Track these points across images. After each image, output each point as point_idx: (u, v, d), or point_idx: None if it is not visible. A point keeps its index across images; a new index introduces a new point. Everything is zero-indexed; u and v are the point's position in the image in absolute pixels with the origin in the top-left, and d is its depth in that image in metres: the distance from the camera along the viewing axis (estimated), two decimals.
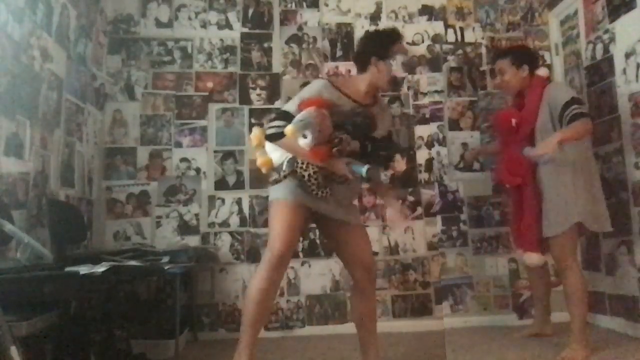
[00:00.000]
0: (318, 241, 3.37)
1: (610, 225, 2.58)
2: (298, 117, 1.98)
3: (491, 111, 3.51)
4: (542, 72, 2.71)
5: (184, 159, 3.46)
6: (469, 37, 3.70)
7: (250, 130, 3.50)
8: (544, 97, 2.57)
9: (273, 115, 2.19)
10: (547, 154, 2.37)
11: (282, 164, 2.11)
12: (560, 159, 2.47)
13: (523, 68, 2.68)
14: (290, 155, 2.09)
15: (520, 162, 2.61)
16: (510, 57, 2.72)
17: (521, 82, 2.69)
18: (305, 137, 1.95)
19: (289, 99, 3.57)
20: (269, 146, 2.16)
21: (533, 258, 2.64)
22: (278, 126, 2.04)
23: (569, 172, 2.52)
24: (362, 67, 2.23)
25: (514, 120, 2.65)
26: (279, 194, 2.12)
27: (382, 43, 2.21)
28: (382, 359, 2.33)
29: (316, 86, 2.18)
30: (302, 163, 2.07)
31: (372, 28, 3.65)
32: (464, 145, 3.55)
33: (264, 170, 2.19)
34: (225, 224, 3.42)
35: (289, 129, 1.91)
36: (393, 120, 3.20)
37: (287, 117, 2.03)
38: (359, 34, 3.49)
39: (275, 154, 2.16)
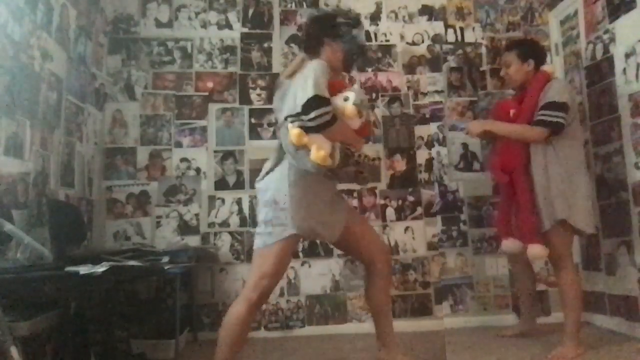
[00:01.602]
0: (318, 241, 3.37)
1: (593, 229, 2.57)
2: (352, 96, 1.94)
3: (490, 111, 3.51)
4: (547, 67, 2.71)
5: (184, 159, 3.46)
6: (469, 37, 3.70)
7: (250, 130, 3.52)
8: (543, 92, 2.56)
9: (307, 103, 1.89)
10: (471, 133, 2.60)
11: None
12: (549, 153, 2.50)
13: (529, 62, 2.67)
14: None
15: (514, 153, 2.60)
16: (517, 50, 2.71)
17: (525, 76, 2.68)
18: (361, 116, 1.91)
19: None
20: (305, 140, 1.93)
21: (536, 250, 2.52)
22: (327, 112, 1.89)
23: (558, 167, 2.51)
24: (314, 51, 2.16)
25: (512, 111, 2.65)
26: (290, 230, 1.98)
27: (333, 23, 2.17)
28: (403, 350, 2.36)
29: (324, 66, 2.00)
30: (348, 149, 2.00)
31: (372, 28, 3.66)
32: (464, 145, 3.55)
33: (329, 164, 1.92)
34: (225, 224, 3.42)
35: (351, 109, 1.89)
36: None
37: (327, 102, 1.90)
38: None
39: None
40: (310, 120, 1.89)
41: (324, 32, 2.17)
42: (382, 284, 2.26)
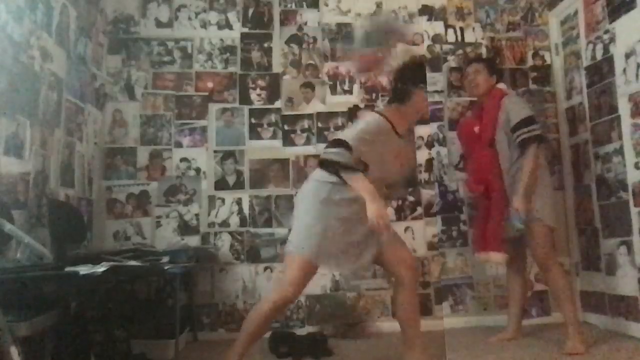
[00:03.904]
0: None
1: (556, 222, 2.80)
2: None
3: None
4: (501, 85, 2.94)
5: (184, 159, 3.46)
6: (469, 37, 3.70)
7: (250, 130, 3.52)
8: (501, 107, 2.76)
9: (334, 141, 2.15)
10: (523, 208, 2.61)
11: None
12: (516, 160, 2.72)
13: (493, 77, 2.90)
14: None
15: (485, 167, 2.81)
16: (486, 63, 2.97)
17: (489, 87, 2.88)
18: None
19: (289, 99, 3.65)
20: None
21: (498, 257, 2.76)
22: (345, 155, 2.07)
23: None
24: (402, 99, 2.26)
25: (476, 128, 2.87)
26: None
27: (417, 71, 2.27)
28: (429, 356, 2.31)
29: (375, 126, 2.19)
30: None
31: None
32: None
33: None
34: (225, 224, 3.42)
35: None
36: None
37: (348, 147, 2.06)
38: (359, 33, 3.49)
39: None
40: (331, 153, 2.12)
41: (415, 80, 2.26)
42: (406, 297, 2.22)
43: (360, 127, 2.18)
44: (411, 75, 2.26)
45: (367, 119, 2.24)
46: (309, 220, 2.11)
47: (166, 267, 2.53)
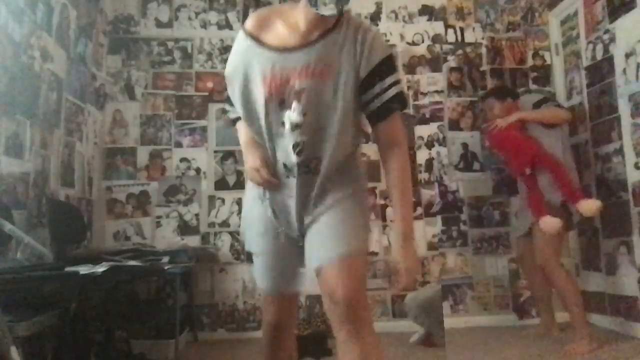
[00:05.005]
0: None
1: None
2: None
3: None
4: (517, 103, 3.04)
5: (184, 159, 3.46)
6: (469, 37, 3.70)
7: None
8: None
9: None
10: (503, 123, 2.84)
11: None
12: None
13: (506, 100, 2.99)
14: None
15: (528, 147, 2.83)
16: (495, 96, 3.06)
17: (507, 111, 2.93)
18: None
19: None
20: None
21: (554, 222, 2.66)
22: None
23: None
24: None
25: (496, 126, 2.93)
26: None
27: None
28: None
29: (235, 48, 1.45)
30: None
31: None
32: (464, 145, 3.55)
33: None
34: (225, 224, 3.42)
35: None
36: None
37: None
38: None
39: None
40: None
41: None
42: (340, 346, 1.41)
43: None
44: None
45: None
46: None
47: (166, 267, 2.53)
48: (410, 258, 1.40)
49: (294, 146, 1.35)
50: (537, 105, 2.94)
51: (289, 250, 1.44)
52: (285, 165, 1.39)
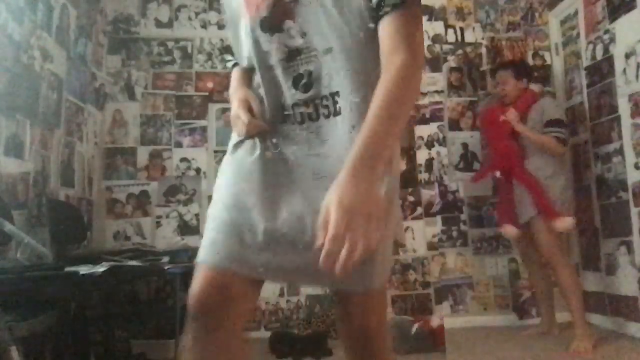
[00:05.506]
0: None
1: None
2: None
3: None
4: (534, 87, 3.04)
5: (184, 159, 3.46)
6: (469, 37, 3.70)
7: None
8: (536, 107, 2.84)
9: None
10: (511, 120, 2.82)
11: None
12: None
13: (522, 81, 2.94)
14: None
15: (505, 156, 2.88)
16: (513, 69, 2.97)
17: (519, 92, 2.93)
18: None
19: None
20: None
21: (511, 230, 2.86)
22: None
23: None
24: None
25: (502, 118, 2.89)
26: None
27: None
28: None
29: None
30: None
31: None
32: (464, 145, 3.55)
33: None
34: None
35: None
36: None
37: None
38: None
39: None
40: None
41: None
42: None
43: None
44: None
45: None
46: None
47: (166, 267, 2.52)
48: (357, 195, 0.83)
49: (296, 79, 1.05)
50: (547, 124, 2.78)
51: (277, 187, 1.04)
52: (293, 109, 1.06)
